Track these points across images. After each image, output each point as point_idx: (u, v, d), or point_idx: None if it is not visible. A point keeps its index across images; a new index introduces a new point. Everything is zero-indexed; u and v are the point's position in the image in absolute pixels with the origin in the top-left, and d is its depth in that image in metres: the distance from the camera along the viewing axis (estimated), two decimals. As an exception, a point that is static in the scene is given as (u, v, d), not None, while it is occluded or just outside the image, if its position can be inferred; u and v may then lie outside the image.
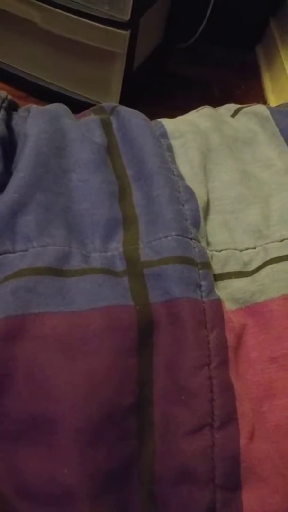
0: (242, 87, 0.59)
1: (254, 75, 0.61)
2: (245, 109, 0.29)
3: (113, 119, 0.27)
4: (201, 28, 0.54)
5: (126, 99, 0.48)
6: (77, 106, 0.30)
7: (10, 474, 0.17)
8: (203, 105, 0.31)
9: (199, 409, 0.18)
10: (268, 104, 0.58)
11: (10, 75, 0.50)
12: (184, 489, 0.17)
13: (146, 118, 0.27)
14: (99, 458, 0.17)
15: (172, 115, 0.30)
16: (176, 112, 0.31)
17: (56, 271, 0.20)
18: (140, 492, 0.18)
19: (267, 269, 0.22)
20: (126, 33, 0.43)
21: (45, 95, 0.49)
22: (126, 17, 0.42)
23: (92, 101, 0.49)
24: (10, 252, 0.20)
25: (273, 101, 0.57)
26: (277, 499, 0.18)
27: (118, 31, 0.43)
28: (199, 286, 0.20)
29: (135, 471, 0.18)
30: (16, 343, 0.18)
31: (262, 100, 0.58)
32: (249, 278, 0.22)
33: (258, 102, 0.31)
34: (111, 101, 0.49)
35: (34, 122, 0.24)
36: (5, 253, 0.20)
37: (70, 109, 0.27)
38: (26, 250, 0.20)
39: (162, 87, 0.56)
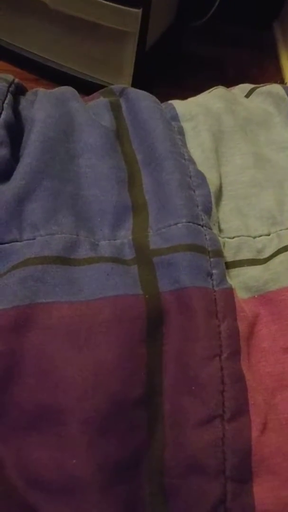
0: (258, 66, 0.58)
1: (271, 54, 0.60)
2: (259, 89, 0.28)
3: (122, 101, 0.26)
4: (215, 6, 0.53)
5: (139, 80, 0.47)
6: (89, 88, 0.30)
7: (20, 465, 0.17)
8: (218, 85, 0.30)
9: (210, 400, 0.18)
10: (286, 83, 0.56)
11: (21, 57, 0.50)
12: (194, 481, 0.17)
13: (157, 100, 0.26)
14: (108, 449, 0.17)
15: (185, 96, 0.29)
16: (189, 93, 0.30)
17: (64, 260, 0.20)
18: (149, 483, 0.17)
19: (281, 256, 0.21)
20: (138, 12, 0.42)
21: (57, 77, 0.49)
22: (138, -6, 0.41)
23: (104, 83, 0.48)
24: (17, 241, 0.20)
25: (290, 80, 0.55)
26: (289, 492, 0.17)
27: (130, 9, 0.42)
28: (210, 275, 0.20)
29: (145, 462, 0.18)
30: (24, 333, 0.18)
31: (280, 79, 0.57)
32: (263, 266, 0.21)
33: (275, 82, 0.30)
34: (123, 82, 0.48)
35: (40, 106, 0.24)
36: (12, 241, 0.20)
37: (82, 92, 0.27)
38: (34, 239, 0.20)
39: (175, 67, 0.55)
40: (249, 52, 0.59)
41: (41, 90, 0.25)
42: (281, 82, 0.56)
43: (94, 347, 0.18)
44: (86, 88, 0.32)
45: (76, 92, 0.26)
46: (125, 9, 0.42)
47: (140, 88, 0.27)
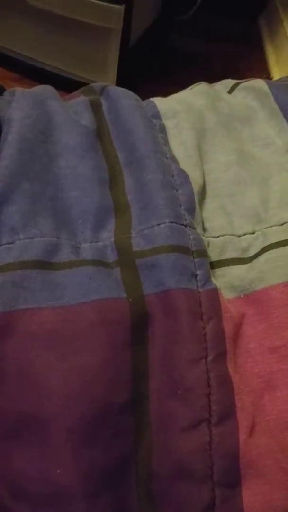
0: (245, 60, 0.57)
1: (257, 47, 0.59)
2: (242, 84, 0.28)
3: (103, 100, 0.25)
4: (200, -1, 0.52)
5: (124, 78, 0.47)
6: (74, 87, 0.29)
7: (3, 475, 0.17)
8: (205, 80, 0.29)
9: (196, 404, 0.17)
10: (272, 77, 0.56)
11: (3, 56, 0.49)
12: (182, 486, 0.17)
13: (138, 98, 0.26)
14: (94, 457, 0.17)
15: (172, 92, 0.29)
16: (176, 89, 0.30)
17: (44, 264, 0.19)
18: (137, 490, 0.17)
19: (266, 255, 0.21)
20: (121, 8, 0.41)
21: (40, 76, 0.48)
22: (120, -10, 0.40)
23: (88, 81, 0.47)
24: None
25: (277, 73, 0.55)
26: (279, 495, 0.17)
27: (112, 5, 0.41)
28: (195, 276, 0.19)
29: (132, 468, 0.17)
30: (5, 340, 0.18)
31: (266, 73, 0.56)
32: (248, 265, 0.21)
33: (262, 75, 0.29)
34: (108, 80, 0.47)
35: (18, 106, 0.23)
36: None
37: (67, 90, 0.26)
38: (12, 243, 0.19)
39: (161, 63, 0.54)
40: (236, 46, 0.58)
41: (18, 89, 0.25)
42: (267, 75, 0.56)
43: (77, 353, 0.18)
44: (71, 86, 0.31)
45: (55, 90, 0.25)
46: (107, 5, 0.41)
47: (125, 85, 0.27)
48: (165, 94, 0.28)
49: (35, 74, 0.49)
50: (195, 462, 0.17)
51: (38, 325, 0.18)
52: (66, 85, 0.29)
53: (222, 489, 0.17)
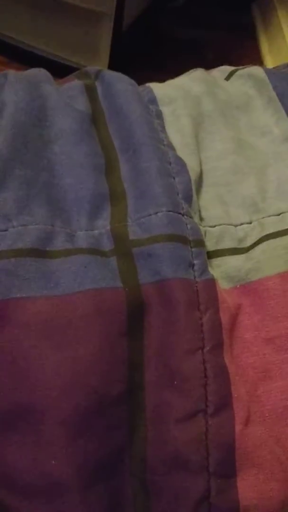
0: (237, 48, 0.57)
1: (249, 36, 0.59)
2: (240, 71, 0.27)
3: (98, 84, 0.25)
4: (193, -15, 0.51)
5: (116, 63, 0.46)
6: (64, 72, 0.29)
7: None
8: (197, 68, 0.29)
9: (192, 395, 0.17)
10: (265, 66, 0.55)
11: (-8, 39, 0.48)
12: (177, 477, 0.17)
13: (134, 82, 0.25)
14: (88, 448, 0.17)
15: (164, 80, 0.28)
16: (168, 76, 0.29)
17: (38, 252, 0.19)
18: (131, 481, 0.17)
19: (263, 245, 0.21)
20: (114, -9, 0.41)
21: (29, 60, 0.47)
22: (113, -27, 0.39)
23: (79, 66, 0.46)
24: None
25: (270, 61, 0.55)
26: (274, 486, 0.17)
27: (105, -11, 0.40)
28: (192, 266, 0.19)
29: (126, 460, 0.17)
30: None
31: (259, 61, 0.56)
32: (244, 255, 0.21)
33: (255, 64, 0.29)
34: (100, 64, 0.47)
35: (11, 89, 0.22)
36: None
37: (58, 75, 0.25)
38: (6, 230, 0.19)
39: (154, 50, 0.54)
40: (228, 34, 0.58)
41: (11, 72, 0.24)
42: (260, 63, 0.56)
43: (72, 343, 0.17)
44: (61, 71, 0.31)
45: (49, 74, 0.25)
46: (100, -12, 0.40)
47: (117, 71, 0.26)
48: (157, 80, 0.28)
49: (24, 58, 0.47)
50: (190, 453, 0.17)
51: (32, 315, 0.18)
52: (57, 70, 0.28)
53: (218, 480, 0.17)
